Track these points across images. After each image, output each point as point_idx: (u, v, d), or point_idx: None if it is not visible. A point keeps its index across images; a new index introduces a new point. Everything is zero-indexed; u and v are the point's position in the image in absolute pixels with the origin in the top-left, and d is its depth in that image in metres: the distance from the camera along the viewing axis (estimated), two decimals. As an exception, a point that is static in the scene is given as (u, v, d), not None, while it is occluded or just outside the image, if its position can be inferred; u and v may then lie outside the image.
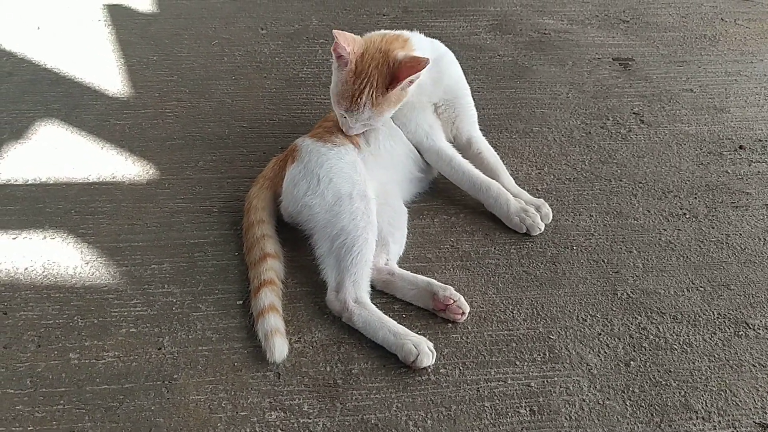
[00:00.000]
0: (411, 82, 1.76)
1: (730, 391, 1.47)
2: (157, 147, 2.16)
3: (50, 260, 1.74)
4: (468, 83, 2.05)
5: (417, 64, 1.71)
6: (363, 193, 1.72)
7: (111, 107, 2.35)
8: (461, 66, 2.04)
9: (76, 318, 1.60)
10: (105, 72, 2.52)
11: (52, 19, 2.91)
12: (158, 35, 2.80)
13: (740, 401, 1.45)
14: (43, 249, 1.78)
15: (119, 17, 2.92)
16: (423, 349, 1.49)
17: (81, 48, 2.68)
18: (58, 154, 2.12)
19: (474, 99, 2.07)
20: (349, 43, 1.74)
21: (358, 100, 1.74)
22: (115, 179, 2.03)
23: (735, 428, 1.39)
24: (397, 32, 1.89)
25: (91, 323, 1.59)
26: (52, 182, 2.01)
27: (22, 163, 2.07)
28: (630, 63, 2.66)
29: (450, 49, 2.01)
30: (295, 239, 1.78)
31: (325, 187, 1.71)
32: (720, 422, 1.40)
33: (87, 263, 1.74)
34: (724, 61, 2.69)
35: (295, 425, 1.39)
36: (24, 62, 2.59)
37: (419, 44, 1.87)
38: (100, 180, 2.02)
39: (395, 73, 1.72)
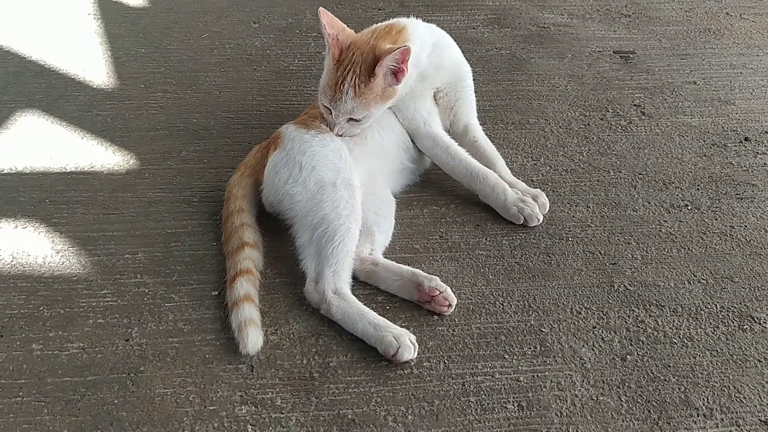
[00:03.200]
0: (397, 77, 1.68)
1: (734, 387, 1.37)
2: (139, 137, 2.09)
3: (20, 249, 1.67)
4: None
5: (398, 50, 1.63)
6: (347, 181, 1.64)
7: (94, 98, 2.28)
8: None
9: (41, 308, 1.52)
10: (91, 64, 2.46)
11: (40, 12, 2.85)
12: (148, 29, 2.73)
13: (744, 398, 1.35)
14: (14, 238, 1.70)
15: (109, 11, 2.87)
16: (404, 341, 1.40)
17: (68, 41, 2.62)
18: (36, 144, 2.05)
19: None
20: (333, 27, 1.67)
21: (341, 87, 1.66)
22: (93, 169, 1.95)
23: (739, 426, 1.30)
24: (392, 21, 1.81)
25: (57, 313, 1.51)
26: (28, 171, 1.94)
27: (-2, 153, 2.00)
28: (631, 56, 2.58)
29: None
30: (276, 229, 1.70)
31: (307, 174, 1.63)
32: (723, 420, 1.31)
33: (57, 252, 1.66)
34: (729, 54, 2.60)
35: (267, 420, 1.30)
36: (9, 54, 2.53)
37: (415, 31, 1.80)
38: (78, 170, 1.95)
39: (376, 57, 1.64)
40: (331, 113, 1.71)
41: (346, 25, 1.74)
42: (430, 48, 1.84)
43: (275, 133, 1.78)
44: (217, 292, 1.57)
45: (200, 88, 2.36)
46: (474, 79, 2.22)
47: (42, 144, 2.05)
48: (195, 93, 2.33)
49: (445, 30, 1.95)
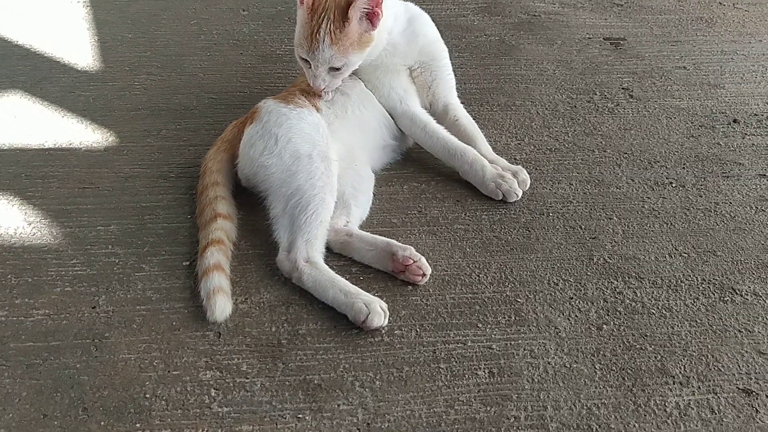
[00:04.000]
0: (372, 22, 1.65)
1: (712, 357, 1.33)
2: (120, 117, 2.07)
3: (-9, 221, 1.64)
4: (452, 60, 1.96)
5: None
6: (324, 154, 1.62)
7: (78, 80, 2.27)
8: (446, 44, 1.94)
9: (9, 276, 1.50)
10: (77, 48, 2.45)
11: (29, 0, 2.84)
12: (136, 16, 2.73)
13: (723, 366, 1.31)
14: (-14, 210, 1.67)
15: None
16: (374, 308, 1.37)
17: (55, 26, 2.61)
18: (16, 122, 2.04)
19: (456, 74, 1.97)
20: None
21: (317, 36, 1.63)
22: (71, 146, 1.94)
23: (716, 394, 1.26)
24: None
25: (24, 282, 1.49)
26: (6, 148, 1.92)
27: (-24, 130, 1.98)
28: (621, 42, 2.56)
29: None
30: (252, 204, 1.67)
31: (283, 146, 1.61)
32: (699, 387, 1.27)
33: (29, 224, 1.64)
34: (720, 41, 2.58)
35: (231, 384, 1.27)
36: (-6, 39, 2.52)
37: (390, 1, 1.77)
38: (56, 146, 1.93)
39: (350, 2, 1.62)
40: (310, 66, 1.67)
41: None
42: (405, 23, 1.83)
43: (253, 108, 1.75)
44: (188, 263, 1.54)
45: (185, 71, 2.34)
46: (461, 64, 2.21)
47: (22, 123, 2.03)
48: (179, 75, 2.31)
49: (433, 18, 1.93)
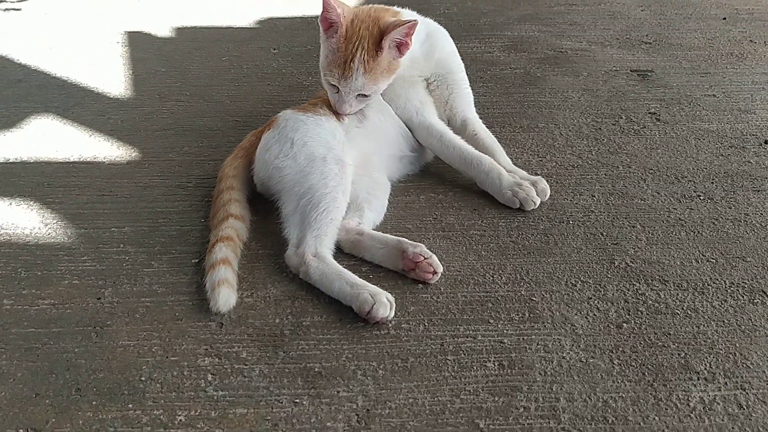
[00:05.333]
0: (401, 50, 1.67)
1: (741, 355, 1.25)
2: (145, 136, 2.11)
3: (9, 222, 1.67)
4: (474, 90, 1.97)
5: (406, 25, 1.62)
6: (338, 157, 1.61)
7: (109, 106, 2.33)
8: (470, 77, 1.96)
9: (19, 270, 1.50)
10: (111, 80, 2.53)
11: (70, 41, 2.96)
12: (171, 54, 2.81)
13: (752, 364, 1.22)
14: (6, 213, 1.71)
15: (137, 40, 2.97)
16: (380, 299, 1.32)
17: (93, 62, 2.71)
18: (45, 140, 2.09)
19: (478, 101, 1.97)
20: (339, 5, 1.66)
21: (351, 64, 1.64)
22: (95, 159, 1.97)
23: (744, 390, 1.17)
24: (387, 6, 1.81)
25: (33, 275, 1.49)
26: (32, 161, 1.96)
27: (5, 146, 2.03)
28: (649, 74, 2.53)
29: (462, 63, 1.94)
30: (267, 210, 1.66)
31: (298, 149, 1.61)
32: (726, 384, 1.18)
33: (46, 225, 1.66)
34: (751, 73, 2.53)
35: (229, 370, 1.23)
36: (35, 72, 2.62)
37: (410, 17, 1.79)
38: (81, 160, 1.97)
39: (383, 32, 1.63)
40: (338, 91, 1.68)
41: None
42: (424, 36, 1.84)
43: (273, 117, 1.77)
44: (197, 260, 1.52)
45: (212, 98, 2.39)
46: (484, 92, 2.20)
47: (51, 140, 2.08)
48: (206, 102, 2.36)
49: (460, 54, 1.94)
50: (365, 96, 1.70)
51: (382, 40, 1.63)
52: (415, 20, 1.64)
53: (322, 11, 1.64)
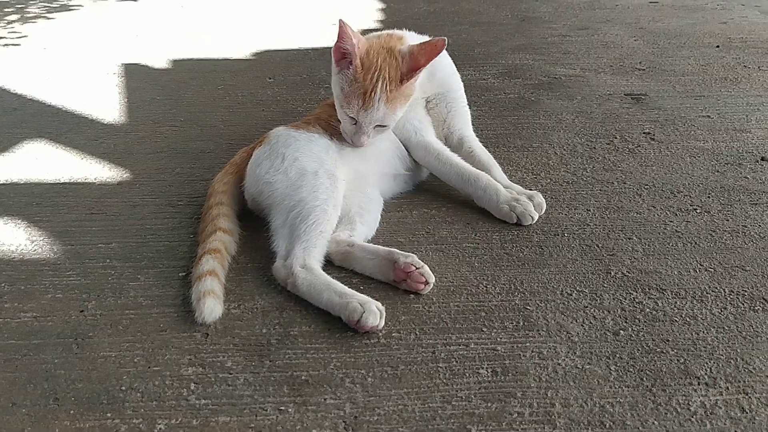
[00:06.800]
0: (416, 76, 1.65)
1: (742, 360, 1.21)
2: (138, 159, 2.10)
3: (-5, 239, 1.63)
4: (470, 110, 1.96)
5: (434, 47, 1.61)
6: (330, 172, 1.59)
7: (102, 131, 2.33)
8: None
9: (2, 284, 1.48)
10: (106, 108, 2.53)
11: (67, 71, 2.98)
12: (167, 83, 2.83)
13: (755, 368, 1.18)
14: (-8, 231, 1.67)
15: (133, 71, 2.99)
16: (370, 307, 1.29)
17: (89, 92, 2.72)
18: (37, 163, 2.08)
19: (473, 125, 1.96)
20: (354, 35, 1.64)
21: (372, 95, 1.60)
22: (86, 180, 1.95)
23: (747, 394, 1.13)
24: (389, 31, 1.81)
25: (17, 289, 1.46)
26: (21, 183, 1.94)
27: (-3, 169, 2.03)
28: (643, 97, 2.54)
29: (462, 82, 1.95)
30: (257, 227, 1.63)
31: (289, 164, 1.59)
32: (728, 388, 1.14)
33: (32, 242, 1.63)
34: (745, 95, 2.54)
35: (213, 379, 1.19)
36: (31, 101, 2.63)
37: (413, 39, 1.79)
38: (71, 181, 1.95)
39: (413, 62, 1.61)
40: (355, 123, 1.65)
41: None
42: None
43: (265, 135, 1.76)
44: (184, 274, 1.49)
45: (206, 123, 2.39)
46: (479, 115, 2.20)
47: (42, 163, 2.07)
48: (200, 127, 2.35)
49: None
50: (383, 126, 1.67)
51: (416, 70, 1.60)
52: (444, 39, 1.62)
53: (337, 41, 1.62)
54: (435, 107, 1.88)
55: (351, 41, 1.59)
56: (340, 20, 1.59)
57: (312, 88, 2.76)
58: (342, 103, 1.65)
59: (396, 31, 1.82)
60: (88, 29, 3.82)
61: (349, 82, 1.63)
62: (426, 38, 1.87)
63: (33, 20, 4.04)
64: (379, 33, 1.79)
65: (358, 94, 1.61)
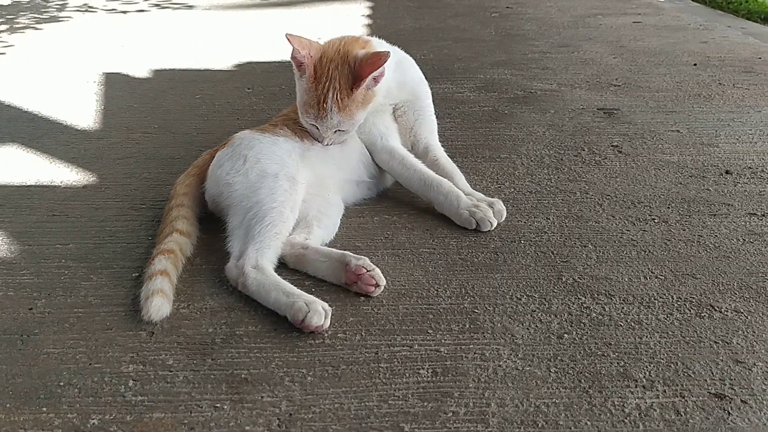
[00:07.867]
0: (376, 80, 1.67)
1: (683, 364, 1.21)
2: (107, 163, 2.11)
3: (-47, 239, 1.63)
4: (441, 124, 1.99)
5: (377, 59, 1.63)
6: (291, 175, 1.60)
7: (75, 137, 2.34)
8: (438, 113, 1.99)
9: (-47, 283, 1.46)
10: (82, 115, 2.54)
11: (47, 79, 3.00)
12: (146, 92, 2.84)
13: (694, 373, 1.19)
14: (-49, 230, 1.67)
15: (113, 80, 3.01)
16: (315, 307, 1.29)
17: (67, 99, 2.73)
18: (5, 166, 2.09)
19: (444, 135, 1.99)
20: (304, 46, 1.67)
21: (324, 105, 1.64)
22: (52, 183, 1.96)
23: (683, 397, 1.13)
24: (356, 35, 1.83)
25: (-32, 287, 1.45)
26: (-13, 185, 1.94)
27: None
28: (615, 112, 2.55)
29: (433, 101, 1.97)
30: (216, 229, 1.63)
31: (251, 166, 1.60)
32: (665, 391, 1.14)
33: (-11, 242, 1.62)
34: (717, 111, 2.55)
35: (152, 376, 1.19)
36: (9, 107, 2.65)
37: (380, 46, 1.81)
38: (37, 184, 1.96)
39: (357, 71, 1.63)
40: (317, 129, 1.69)
41: (311, 39, 1.74)
42: (395, 65, 1.84)
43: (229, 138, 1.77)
44: (138, 274, 1.49)
45: (180, 131, 2.40)
46: (451, 127, 2.22)
47: (10, 167, 2.07)
48: (173, 134, 2.37)
49: (432, 95, 1.97)
50: (344, 131, 1.70)
51: (357, 81, 1.62)
52: (387, 51, 1.65)
53: (292, 51, 1.65)
54: (403, 115, 1.89)
55: (300, 53, 1.61)
56: (287, 35, 1.62)
57: (290, 99, 2.75)
58: (301, 110, 1.68)
59: (363, 36, 1.84)
60: (74, 39, 3.85)
61: (306, 90, 1.66)
62: (392, 46, 1.90)
63: (22, 30, 4.07)
64: (343, 36, 1.80)
65: (313, 104, 1.66)
